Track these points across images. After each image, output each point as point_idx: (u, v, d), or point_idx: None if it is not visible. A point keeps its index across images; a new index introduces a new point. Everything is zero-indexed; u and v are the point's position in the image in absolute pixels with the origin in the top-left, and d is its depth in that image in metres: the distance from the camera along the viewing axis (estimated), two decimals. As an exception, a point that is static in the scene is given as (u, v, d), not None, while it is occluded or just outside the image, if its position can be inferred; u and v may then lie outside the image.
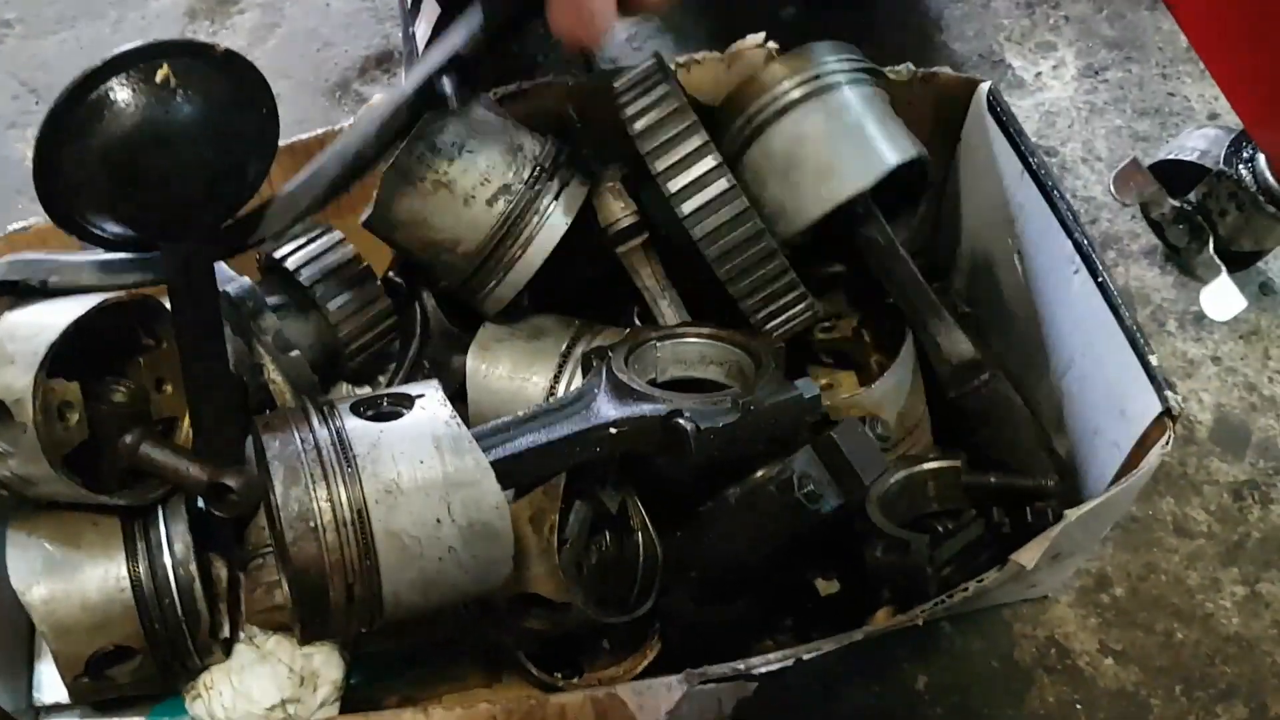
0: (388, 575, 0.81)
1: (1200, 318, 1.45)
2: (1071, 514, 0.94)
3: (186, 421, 1.01)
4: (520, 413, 0.94)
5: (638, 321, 1.15)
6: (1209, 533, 1.31)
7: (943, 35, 1.71)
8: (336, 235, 1.11)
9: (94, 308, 0.91)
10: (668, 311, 1.10)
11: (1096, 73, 1.67)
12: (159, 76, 0.88)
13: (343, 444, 0.83)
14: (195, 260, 0.94)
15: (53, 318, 0.91)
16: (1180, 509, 1.32)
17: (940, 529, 1.08)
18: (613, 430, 0.91)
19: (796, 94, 1.05)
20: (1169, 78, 1.66)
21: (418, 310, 1.15)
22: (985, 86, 1.14)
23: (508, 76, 1.16)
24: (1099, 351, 1.04)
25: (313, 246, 1.09)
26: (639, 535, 1.00)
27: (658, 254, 1.10)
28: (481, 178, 1.01)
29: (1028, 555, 0.93)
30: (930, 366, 1.13)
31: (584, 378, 1.03)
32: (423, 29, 1.53)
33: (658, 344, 1.05)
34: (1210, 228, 1.40)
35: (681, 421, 0.89)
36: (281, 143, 1.16)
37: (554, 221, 1.04)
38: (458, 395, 1.10)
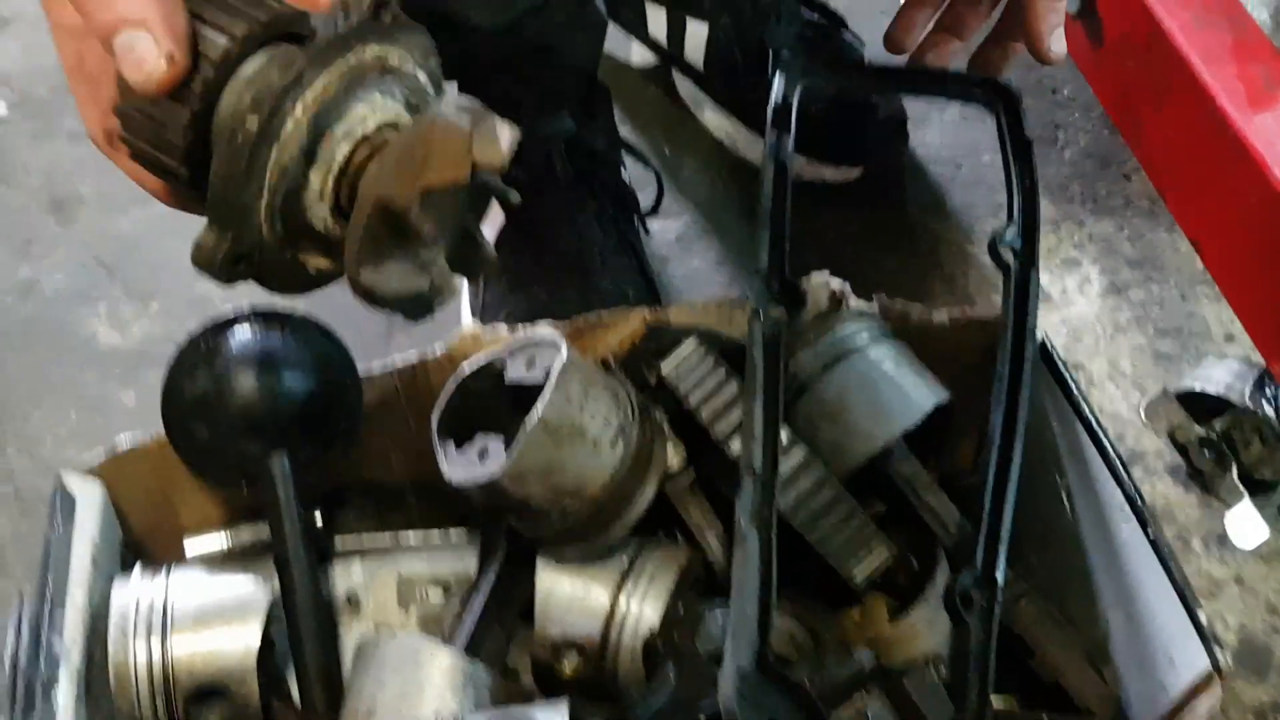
0: None
1: (1224, 538, 1.52)
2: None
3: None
4: None
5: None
6: (1236, 756, 1.35)
7: (973, 247, 1.81)
8: None
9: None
10: (715, 545, 1.19)
11: (1119, 290, 1.76)
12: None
13: None
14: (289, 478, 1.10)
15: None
16: (1208, 731, 1.37)
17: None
18: None
19: (840, 350, 1.18)
20: (1187, 298, 1.75)
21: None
22: (1039, 335, 1.22)
23: None
24: (1147, 598, 1.10)
25: None
26: None
27: (704, 494, 1.18)
28: (604, 420, 1.06)
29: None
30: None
31: (643, 655, 1.09)
32: None
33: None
34: (1234, 455, 1.48)
35: None
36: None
37: (665, 456, 1.13)
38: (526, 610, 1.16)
